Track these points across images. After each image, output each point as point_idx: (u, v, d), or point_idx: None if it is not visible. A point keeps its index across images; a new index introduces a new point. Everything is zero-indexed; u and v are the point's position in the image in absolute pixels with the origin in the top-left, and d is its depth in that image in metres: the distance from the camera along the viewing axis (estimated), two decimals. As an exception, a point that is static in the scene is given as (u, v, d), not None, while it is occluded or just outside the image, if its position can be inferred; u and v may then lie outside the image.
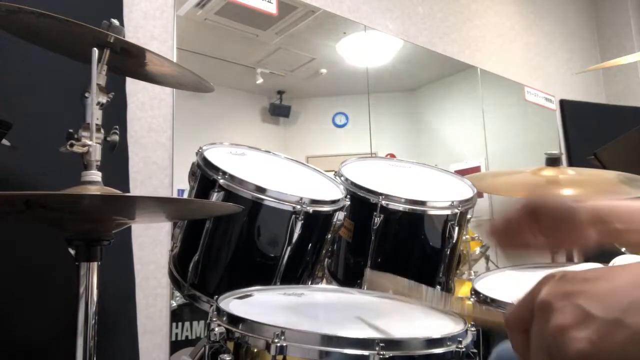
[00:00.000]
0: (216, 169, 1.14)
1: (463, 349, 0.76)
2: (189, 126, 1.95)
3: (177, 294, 1.76)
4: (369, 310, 1.00)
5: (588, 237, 0.74)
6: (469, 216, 1.37)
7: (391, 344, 0.71)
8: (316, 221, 1.19)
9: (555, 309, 0.40)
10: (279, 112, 2.39)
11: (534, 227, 0.71)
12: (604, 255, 1.33)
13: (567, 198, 0.70)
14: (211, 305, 0.87)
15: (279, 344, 0.71)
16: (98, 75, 1.04)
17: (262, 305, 0.94)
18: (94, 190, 1.00)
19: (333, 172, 1.40)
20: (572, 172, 1.72)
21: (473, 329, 0.83)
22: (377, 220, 1.26)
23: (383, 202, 1.26)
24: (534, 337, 0.42)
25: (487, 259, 2.47)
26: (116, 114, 1.65)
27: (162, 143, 1.87)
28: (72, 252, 1.01)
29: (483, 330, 1.07)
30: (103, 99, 1.06)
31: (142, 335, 1.67)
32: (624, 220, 0.71)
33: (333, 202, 1.19)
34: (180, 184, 1.85)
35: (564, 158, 3.51)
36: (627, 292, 0.39)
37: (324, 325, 0.89)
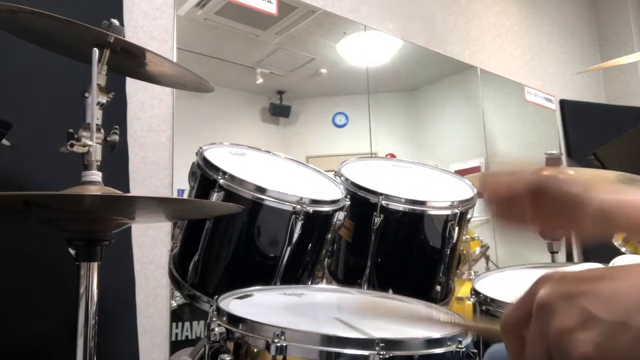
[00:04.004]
0: (216, 169, 1.14)
1: (463, 349, 0.76)
2: (189, 126, 1.95)
3: (177, 294, 1.76)
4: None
5: (589, 227, 0.74)
6: (469, 216, 1.37)
7: (391, 344, 0.72)
8: (316, 221, 1.19)
9: (556, 310, 0.39)
10: (279, 112, 2.39)
11: (535, 205, 0.70)
12: (604, 255, 1.33)
13: (575, 185, 0.69)
14: (211, 305, 0.87)
15: (279, 344, 0.71)
16: (98, 75, 1.04)
17: (262, 305, 0.94)
18: (94, 190, 1.00)
19: (333, 172, 1.40)
20: (572, 172, 1.72)
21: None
22: (377, 220, 1.26)
23: (383, 202, 1.26)
24: (531, 340, 0.41)
25: (487, 259, 2.47)
26: (116, 114, 1.65)
27: (162, 143, 1.87)
28: (72, 252, 1.01)
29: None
30: (103, 99, 1.06)
31: (142, 335, 1.67)
32: (630, 218, 0.70)
33: (333, 202, 1.19)
34: (180, 184, 1.84)
35: (563, 158, 3.51)
36: (631, 293, 0.38)
37: (324, 325, 0.89)
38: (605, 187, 0.70)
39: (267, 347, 0.71)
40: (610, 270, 0.41)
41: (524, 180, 0.70)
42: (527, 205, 0.69)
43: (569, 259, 3.23)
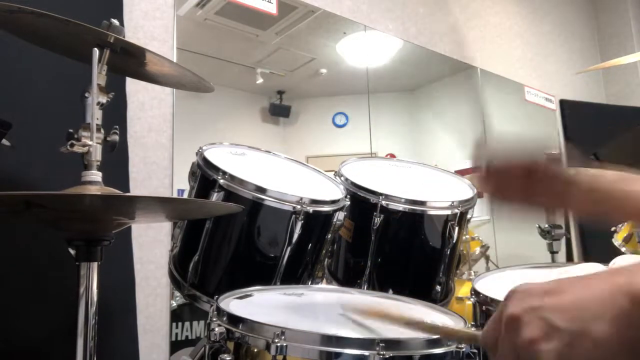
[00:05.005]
0: (216, 169, 1.14)
1: (463, 349, 0.76)
2: (189, 126, 1.95)
3: (177, 294, 1.76)
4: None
5: (581, 207, 0.74)
6: (469, 216, 1.37)
7: (391, 344, 0.72)
8: (316, 221, 1.19)
9: (523, 323, 0.42)
10: (279, 112, 2.39)
11: (529, 183, 0.71)
12: (605, 255, 1.33)
13: (568, 166, 0.69)
14: (211, 305, 0.87)
15: (279, 344, 0.71)
16: (98, 75, 1.04)
17: (262, 305, 0.94)
18: (94, 190, 1.00)
19: (333, 172, 1.40)
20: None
21: (473, 329, 0.83)
22: (377, 220, 1.26)
23: (383, 202, 1.26)
24: (503, 351, 0.44)
25: (487, 259, 2.47)
26: (116, 114, 1.64)
27: (162, 143, 1.87)
28: (72, 252, 1.01)
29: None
30: (103, 99, 1.06)
31: (142, 335, 1.67)
32: (618, 204, 0.72)
33: (333, 202, 1.19)
34: (180, 184, 1.84)
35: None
36: (589, 304, 0.41)
37: (324, 325, 0.89)
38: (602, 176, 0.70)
39: (267, 347, 0.71)
40: (570, 283, 0.43)
41: (516, 160, 0.70)
42: (520, 184, 0.70)
43: (569, 258, 3.23)
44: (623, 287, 0.41)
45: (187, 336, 1.81)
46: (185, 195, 1.43)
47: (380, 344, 0.70)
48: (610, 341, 0.39)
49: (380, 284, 1.32)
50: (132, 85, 1.77)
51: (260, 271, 1.17)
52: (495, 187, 0.76)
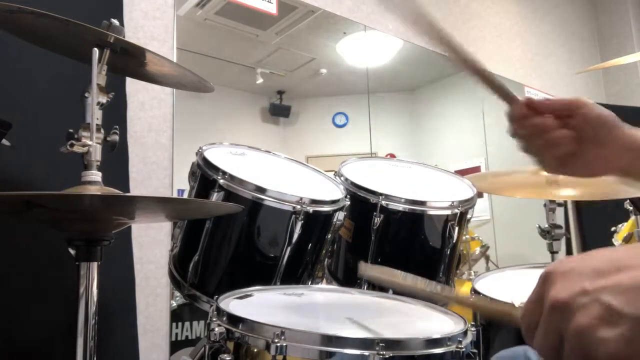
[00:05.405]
0: (216, 169, 1.14)
1: (463, 349, 0.76)
2: (189, 126, 1.95)
3: (177, 294, 1.76)
4: (369, 310, 1.00)
5: (616, 160, 0.70)
6: (469, 216, 1.37)
7: (391, 344, 0.72)
8: (316, 221, 1.19)
9: (574, 307, 0.37)
10: (279, 112, 2.39)
11: (570, 121, 0.67)
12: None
13: (609, 114, 0.66)
14: (211, 305, 0.87)
15: (279, 344, 0.71)
16: (98, 75, 1.04)
17: (262, 305, 0.94)
18: (94, 190, 1.00)
19: (333, 172, 1.40)
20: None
21: (473, 329, 0.83)
22: (377, 220, 1.26)
23: (383, 202, 1.26)
24: (544, 337, 0.39)
25: (487, 259, 2.47)
26: (116, 114, 1.64)
27: (162, 143, 1.87)
28: (72, 252, 1.01)
29: (484, 329, 1.07)
30: (103, 99, 1.06)
31: (142, 335, 1.67)
32: None
33: (333, 202, 1.19)
34: (180, 184, 1.84)
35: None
36: None
37: (324, 325, 0.89)
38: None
39: (267, 347, 0.71)
40: (625, 259, 0.38)
41: (555, 102, 0.66)
42: (555, 127, 0.65)
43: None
44: None
45: (187, 336, 1.81)
46: (185, 195, 1.43)
47: (380, 344, 0.70)
48: None
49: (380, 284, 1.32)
50: (132, 85, 1.77)
51: (260, 271, 1.17)
52: (530, 128, 0.70)
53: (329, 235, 1.24)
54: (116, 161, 1.65)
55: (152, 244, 1.78)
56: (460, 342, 0.77)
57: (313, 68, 2.54)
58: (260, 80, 2.32)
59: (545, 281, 0.40)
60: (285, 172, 1.37)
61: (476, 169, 3.04)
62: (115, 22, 1.06)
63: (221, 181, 1.12)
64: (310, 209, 1.13)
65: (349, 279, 1.37)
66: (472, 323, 0.85)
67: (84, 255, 1.01)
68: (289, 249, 1.15)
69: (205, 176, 1.16)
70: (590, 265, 0.38)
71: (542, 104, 0.71)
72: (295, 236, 1.13)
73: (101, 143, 1.04)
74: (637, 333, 0.35)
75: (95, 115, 1.02)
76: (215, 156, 1.20)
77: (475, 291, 1.13)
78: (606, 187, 1.55)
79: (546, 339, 0.39)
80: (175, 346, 1.78)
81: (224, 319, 0.80)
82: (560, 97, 0.68)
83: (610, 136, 0.69)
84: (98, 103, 1.04)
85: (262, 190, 1.11)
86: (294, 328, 0.73)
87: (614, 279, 0.37)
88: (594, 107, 0.69)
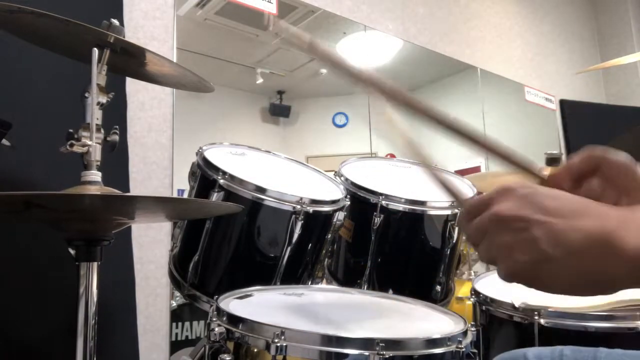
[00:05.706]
0: (216, 169, 1.14)
1: (463, 349, 0.76)
2: (189, 126, 1.95)
3: (177, 294, 1.76)
4: (369, 310, 1.00)
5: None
6: (469, 216, 1.37)
7: (391, 344, 0.72)
8: (316, 221, 1.19)
9: (509, 226, 0.43)
10: (279, 112, 2.38)
11: (592, 180, 0.68)
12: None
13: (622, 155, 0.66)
14: (211, 305, 0.87)
15: (279, 344, 0.71)
16: (98, 75, 1.04)
17: (262, 305, 0.94)
18: (94, 190, 1.00)
19: (333, 172, 1.40)
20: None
21: (473, 329, 0.83)
22: (377, 220, 1.26)
23: (383, 202, 1.26)
24: (476, 231, 0.46)
25: (487, 259, 2.46)
26: (116, 114, 1.64)
27: (162, 143, 1.87)
28: (72, 252, 1.01)
29: (483, 329, 1.07)
30: (103, 99, 1.06)
31: (142, 335, 1.67)
32: None
33: (333, 202, 1.19)
34: (180, 184, 1.84)
35: (563, 158, 3.50)
36: (575, 240, 0.42)
37: (324, 325, 0.89)
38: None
39: (267, 347, 0.71)
40: (568, 211, 0.43)
41: (579, 157, 0.66)
42: (584, 180, 0.66)
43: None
44: (609, 234, 0.41)
45: (187, 336, 1.81)
46: (185, 195, 1.43)
47: (380, 344, 0.70)
48: (577, 275, 0.42)
49: (380, 284, 1.32)
50: (132, 85, 1.77)
51: (260, 271, 1.17)
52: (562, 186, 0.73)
53: (329, 235, 1.24)
54: (116, 161, 1.65)
55: (152, 244, 1.78)
56: (460, 342, 0.77)
57: (313, 68, 2.53)
58: (260, 80, 2.32)
59: (501, 193, 0.46)
60: (285, 172, 1.37)
61: (476, 169, 3.04)
62: (115, 22, 1.06)
63: (221, 181, 1.12)
64: (310, 209, 1.13)
65: (349, 279, 1.37)
66: (472, 323, 0.85)
67: (83, 255, 1.01)
68: (289, 249, 1.15)
69: (205, 176, 1.16)
70: (542, 200, 0.44)
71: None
72: (295, 236, 1.13)
73: (101, 143, 1.04)
74: (543, 267, 0.42)
75: (95, 115, 1.02)
76: (215, 156, 1.20)
77: (475, 291, 1.13)
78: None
79: (475, 232, 0.47)
80: (175, 346, 1.78)
81: (224, 319, 0.80)
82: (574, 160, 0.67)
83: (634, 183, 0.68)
84: (98, 103, 1.04)
85: (262, 190, 1.11)
86: (294, 328, 0.73)
87: (553, 220, 0.43)
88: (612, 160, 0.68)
